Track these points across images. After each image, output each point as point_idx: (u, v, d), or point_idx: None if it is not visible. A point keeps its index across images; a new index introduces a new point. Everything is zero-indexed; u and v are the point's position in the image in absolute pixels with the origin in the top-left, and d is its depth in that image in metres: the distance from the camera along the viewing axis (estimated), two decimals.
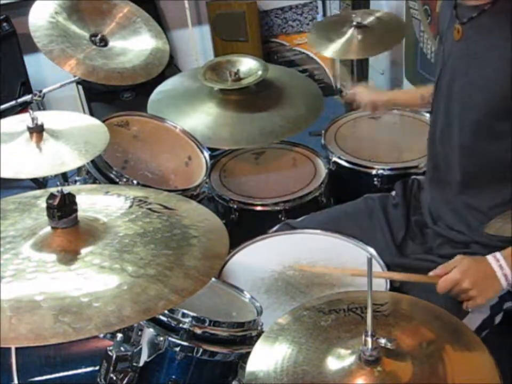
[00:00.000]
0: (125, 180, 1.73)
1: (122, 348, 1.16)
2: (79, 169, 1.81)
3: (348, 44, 2.36)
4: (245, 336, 1.24)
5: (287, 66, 2.90)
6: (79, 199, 1.00)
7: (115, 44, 2.05)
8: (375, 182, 1.99)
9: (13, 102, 2.02)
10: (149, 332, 1.18)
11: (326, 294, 1.26)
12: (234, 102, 2.13)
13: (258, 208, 1.97)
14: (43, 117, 1.64)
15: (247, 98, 2.13)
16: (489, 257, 1.29)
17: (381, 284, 1.44)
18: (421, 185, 1.71)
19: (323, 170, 2.09)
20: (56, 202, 0.96)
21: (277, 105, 2.13)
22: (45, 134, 1.62)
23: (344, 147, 2.16)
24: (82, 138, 1.65)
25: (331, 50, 2.38)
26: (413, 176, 1.78)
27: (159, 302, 0.90)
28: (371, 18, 2.44)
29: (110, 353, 1.15)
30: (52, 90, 2.04)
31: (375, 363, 0.93)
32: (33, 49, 2.11)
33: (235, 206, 1.97)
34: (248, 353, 1.04)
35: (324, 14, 3.88)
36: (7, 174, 1.52)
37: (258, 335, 1.21)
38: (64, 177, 1.88)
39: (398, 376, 0.93)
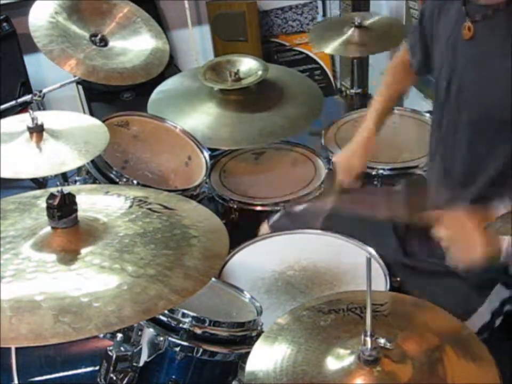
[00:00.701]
0: (125, 179, 1.74)
1: (122, 348, 1.16)
2: (79, 169, 1.81)
3: (347, 41, 2.39)
4: (245, 336, 1.24)
5: (287, 66, 2.90)
6: (79, 199, 1.00)
7: (115, 44, 2.05)
8: (375, 182, 1.99)
9: (13, 102, 2.02)
10: (149, 332, 1.18)
11: (326, 294, 1.26)
12: (234, 102, 2.13)
13: (258, 208, 1.97)
14: (43, 117, 1.64)
15: (247, 98, 2.13)
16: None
17: (380, 284, 1.44)
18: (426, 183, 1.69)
19: (323, 170, 2.09)
20: (56, 202, 0.97)
21: (277, 105, 2.13)
22: (45, 134, 1.62)
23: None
24: (82, 138, 1.65)
25: (331, 47, 2.42)
26: (418, 173, 1.77)
27: (159, 302, 0.90)
28: (371, 20, 2.46)
29: (110, 353, 1.15)
30: (51, 90, 2.04)
31: (374, 363, 0.93)
32: (33, 49, 2.11)
33: (235, 206, 1.97)
34: (248, 353, 1.04)
35: (324, 14, 3.87)
36: (7, 174, 1.52)
37: (258, 335, 1.21)
38: (64, 177, 1.88)
39: (397, 376, 0.93)
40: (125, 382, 1.15)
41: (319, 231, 1.66)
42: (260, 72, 2.11)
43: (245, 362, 1.04)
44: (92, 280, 0.91)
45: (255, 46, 3.69)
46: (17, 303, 0.86)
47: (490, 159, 1.40)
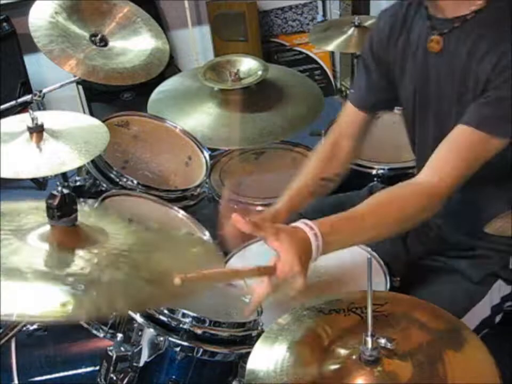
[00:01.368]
0: (125, 179, 1.74)
1: (122, 348, 1.17)
2: (79, 169, 1.82)
3: (348, 39, 2.41)
4: (245, 336, 1.24)
5: (287, 66, 2.90)
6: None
7: (115, 44, 2.05)
8: (375, 182, 1.98)
9: (13, 102, 2.02)
10: (149, 332, 1.18)
11: (326, 294, 1.26)
12: (234, 102, 2.12)
13: (259, 208, 1.97)
14: (43, 117, 1.64)
15: (247, 98, 2.13)
16: (302, 225, 1.13)
17: (381, 284, 1.44)
18: None
19: None
20: (56, 202, 0.96)
21: (277, 105, 2.13)
22: (45, 134, 1.62)
23: None
24: (82, 138, 1.65)
25: (331, 44, 2.44)
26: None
27: (150, 301, 0.90)
28: (371, 21, 2.47)
29: (110, 353, 1.15)
30: (52, 90, 2.04)
31: (375, 363, 0.93)
32: (33, 49, 2.12)
33: (235, 206, 1.97)
34: (248, 353, 1.04)
35: (324, 14, 3.88)
36: (7, 174, 1.52)
37: (259, 335, 1.21)
38: (64, 177, 1.88)
39: (397, 376, 0.93)
40: (125, 382, 1.15)
41: None
42: (260, 72, 2.11)
43: (245, 362, 1.04)
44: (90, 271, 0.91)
45: (255, 46, 3.69)
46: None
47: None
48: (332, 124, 2.31)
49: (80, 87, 3.48)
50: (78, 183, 1.82)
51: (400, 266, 1.51)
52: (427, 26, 1.34)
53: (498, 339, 1.39)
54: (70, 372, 1.40)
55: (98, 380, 1.18)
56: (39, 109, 2.00)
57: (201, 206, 1.93)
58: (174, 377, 1.21)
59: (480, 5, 1.26)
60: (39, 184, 2.91)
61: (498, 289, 1.41)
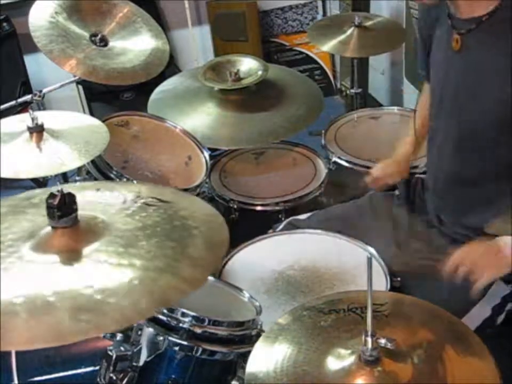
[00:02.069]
0: (125, 179, 1.74)
1: (122, 348, 1.16)
2: (79, 169, 1.81)
3: (347, 41, 2.39)
4: (245, 335, 1.24)
5: (287, 66, 2.90)
6: None
7: (115, 44, 2.05)
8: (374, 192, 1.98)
9: (13, 102, 2.02)
10: (149, 331, 1.18)
11: (326, 294, 1.26)
12: (234, 102, 2.13)
13: (259, 208, 1.97)
14: (43, 117, 1.64)
15: (247, 98, 2.13)
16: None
17: (381, 284, 1.44)
18: (425, 185, 1.70)
19: (323, 170, 2.09)
20: (56, 202, 0.96)
21: (277, 105, 2.13)
22: (45, 134, 1.62)
23: (344, 147, 2.16)
24: (82, 138, 1.65)
25: (330, 45, 2.41)
26: (417, 175, 1.78)
27: (171, 292, 0.90)
28: (372, 22, 2.46)
29: (110, 353, 1.15)
30: (52, 90, 2.04)
31: (375, 363, 0.93)
32: (33, 49, 2.12)
33: (235, 206, 1.97)
34: (247, 352, 1.04)
35: (324, 14, 3.88)
36: (7, 174, 1.52)
37: (258, 334, 1.21)
38: (64, 177, 1.88)
39: (398, 376, 0.93)
40: (125, 381, 1.15)
41: (319, 231, 1.67)
42: (260, 72, 2.11)
43: (244, 362, 1.04)
44: (102, 277, 0.90)
45: (255, 46, 3.69)
46: (31, 304, 0.85)
47: (476, 169, 1.42)
48: (332, 124, 2.32)
49: (80, 87, 3.48)
50: (78, 183, 1.82)
51: (400, 266, 1.51)
52: (449, 25, 1.39)
53: (499, 339, 1.39)
54: (70, 372, 1.40)
55: (98, 379, 1.17)
56: (39, 109, 2.00)
57: None
58: (173, 376, 1.21)
59: (495, 4, 1.28)
60: (39, 184, 2.91)
61: (498, 289, 1.41)
